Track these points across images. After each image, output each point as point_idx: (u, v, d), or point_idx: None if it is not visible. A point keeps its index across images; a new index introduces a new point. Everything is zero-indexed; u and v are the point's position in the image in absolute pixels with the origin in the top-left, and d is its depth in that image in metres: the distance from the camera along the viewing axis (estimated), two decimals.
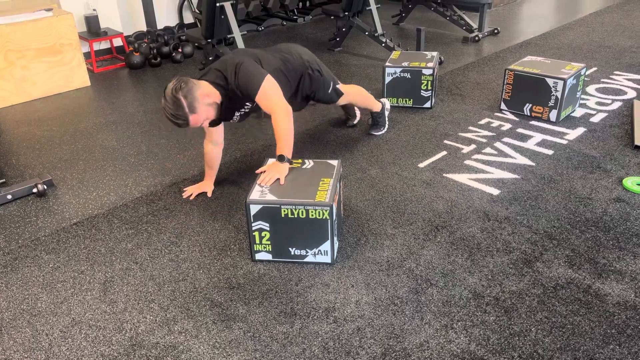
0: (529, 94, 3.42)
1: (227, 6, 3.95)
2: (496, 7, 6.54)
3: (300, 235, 2.16)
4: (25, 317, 2.01)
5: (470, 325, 1.89)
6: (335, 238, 2.19)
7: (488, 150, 3.10)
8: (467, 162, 2.98)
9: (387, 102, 3.41)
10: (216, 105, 2.41)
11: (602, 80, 4.06)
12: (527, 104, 3.46)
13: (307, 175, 2.29)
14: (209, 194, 2.75)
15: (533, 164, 2.93)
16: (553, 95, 3.31)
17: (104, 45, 5.01)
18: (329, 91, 2.93)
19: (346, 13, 4.84)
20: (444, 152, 3.09)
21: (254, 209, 2.13)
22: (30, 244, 2.44)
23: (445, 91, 3.99)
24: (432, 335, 1.86)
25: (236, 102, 2.51)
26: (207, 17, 4.00)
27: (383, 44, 4.81)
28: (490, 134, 3.29)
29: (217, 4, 3.91)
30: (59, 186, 2.92)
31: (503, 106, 3.58)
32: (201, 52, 4.63)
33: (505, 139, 3.22)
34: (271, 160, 2.36)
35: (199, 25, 5.30)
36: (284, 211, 2.11)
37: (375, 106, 3.29)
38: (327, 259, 2.20)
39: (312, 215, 2.10)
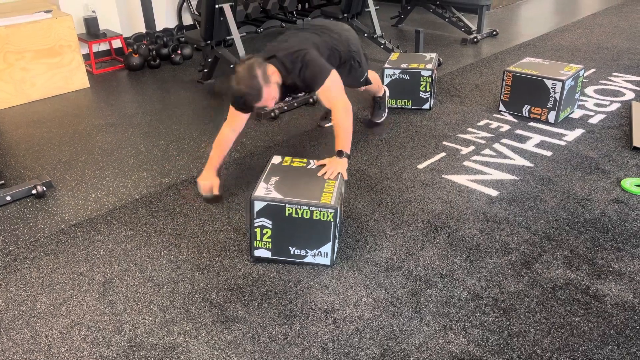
0: (527, 95, 3.43)
1: (226, 8, 3.95)
2: (495, 9, 6.55)
3: (302, 235, 2.16)
4: (24, 319, 2.01)
5: (469, 326, 1.90)
6: (336, 240, 2.20)
7: (487, 151, 3.10)
8: (466, 163, 2.98)
9: (386, 88, 3.55)
10: (279, 87, 2.46)
11: (601, 81, 4.07)
12: (526, 106, 3.46)
13: (313, 176, 2.30)
14: (216, 190, 2.59)
15: (532, 165, 2.94)
16: (552, 96, 3.32)
17: (103, 46, 5.01)
18: (361, 80, 3.03)
19: (345, 15, 4.84)
20: (443, 154, 3.09)
21: (258, 206, 2.13)
22: (29, 245, 2.44)
23: (444, 92, 3.99)
24: (431, 336, 1.86)
25: (291, 89, 2.57)
26: (206, 18, 4.00)
27: (382, 46, 4.83)
28: (489, 135, 3.30)
29: (216, 6, 3.91)
30: (58, 187, 2.92)
31: (502, 107, 3.59)
32: (200, 54, 4.63)
33: (504, 140, 3.22)
34: (276, 159, 2.38)
35: (198, 27, 5.30)
36: (289, 210, 2.11)
37: (381, 91, 3.41)
38: (326, 260, 2.20)
39: (317, 216, 2.10)
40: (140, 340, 1.89)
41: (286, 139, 3.35)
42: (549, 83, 3.30)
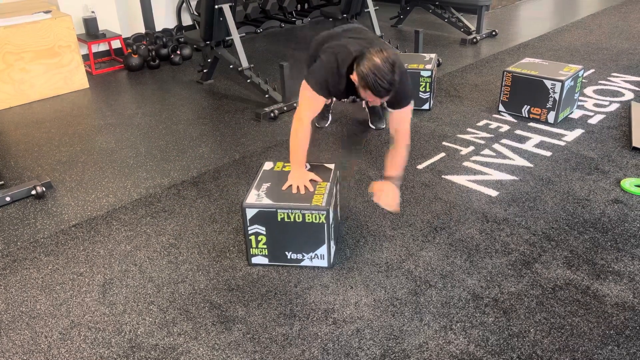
0: (527, 95, 3.43)
1: (226, 8, 3.95)
2: (494, 9, 6.55)
3: (297, 239, 2.16)
4: (24, 319, 2.00)
5: (469, 326, 1.90)
6: (332, 242, 2.19)
7: (486, 151, 3.10)
8: (465, 163, 2.98)
9: None
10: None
11: (600, 82, 4.08)
12: (525, 106, 3.47)
13: None
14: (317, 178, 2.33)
15: (531, 165, 2.94)
16: (551, 97, 3.32)
17: (102, 47, 5.01)
18: None
19: (344, 15, 4.84)
20: (443, 154, 3.09)
21: (250, 213, 2.12)
22: (29, 246, 2.43)
23: (444, 93, 3.99)
24: (431, 337, 1.86)
25: (357, 92, 2.36)
26: (205, 19, 4.00)
27: None
28: (488, 135, 3.30)
29: (216, 6, 3.91)
30: (58, 188, 2.92)
31: (501, 108, 3.59)
32: (200, 54, 4.63)
33: (504, 141, 3.22)
34: (268, 165, 2.36)
35: (197, 28, 5.30)
36: (280, 215, 2.11)
37: None
38: (323, 262, 2.20)
39: (309, 219, 2.10)
40: (140, 341, 1.89)
41: (286, 139, 3.34)
42: (548, 83, 3.30)
